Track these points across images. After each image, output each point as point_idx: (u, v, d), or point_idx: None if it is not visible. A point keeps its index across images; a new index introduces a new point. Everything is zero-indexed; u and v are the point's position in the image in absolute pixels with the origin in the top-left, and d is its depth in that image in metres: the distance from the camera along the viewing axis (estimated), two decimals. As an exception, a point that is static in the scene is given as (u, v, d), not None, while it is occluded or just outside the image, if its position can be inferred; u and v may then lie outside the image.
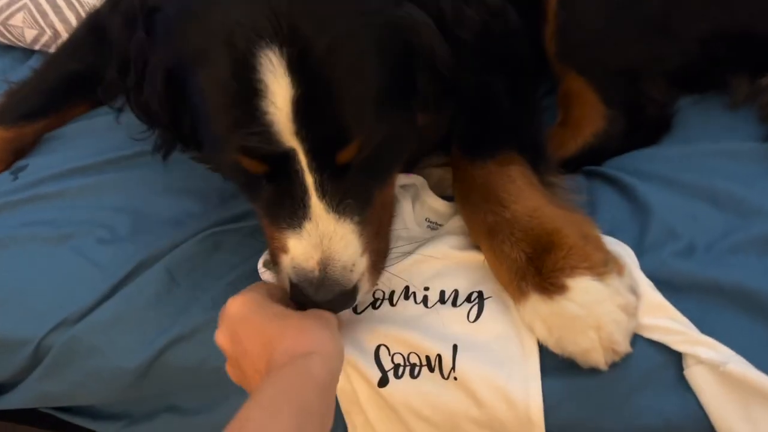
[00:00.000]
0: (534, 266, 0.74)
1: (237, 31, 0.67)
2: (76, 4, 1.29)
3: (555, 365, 0.73)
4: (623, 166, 0.93)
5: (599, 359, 0.71)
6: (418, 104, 0.77)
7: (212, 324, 0.81)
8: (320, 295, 0.71)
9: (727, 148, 0.91)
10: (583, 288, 0.71)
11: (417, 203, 0.88)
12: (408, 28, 0.72)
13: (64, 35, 1.28)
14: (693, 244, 0.78)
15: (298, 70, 0.66)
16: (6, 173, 1.08)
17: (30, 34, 1.30)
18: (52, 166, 1.06)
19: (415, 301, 0.77)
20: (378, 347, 0.76)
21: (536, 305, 0.73)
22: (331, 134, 0.69)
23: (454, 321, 0.76)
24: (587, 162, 0.96)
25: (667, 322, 0.70)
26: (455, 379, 0.74)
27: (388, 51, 0.71)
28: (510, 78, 0.94)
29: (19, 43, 1.32)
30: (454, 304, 0.76)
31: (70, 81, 1.15)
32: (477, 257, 0.80)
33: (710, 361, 0.67)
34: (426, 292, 0.78)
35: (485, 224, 0.79)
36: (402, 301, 0.78)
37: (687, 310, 0.72)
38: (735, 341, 0.69)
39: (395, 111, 0.73)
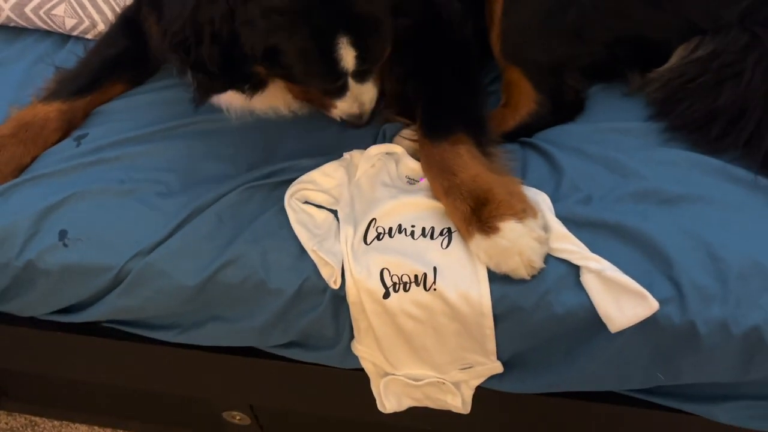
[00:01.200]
0: (476, 215, 1.07)
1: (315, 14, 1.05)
2: (111, -1, 1.54)
3: (497, 277, 1.08)
4: (547, 138, 1.27)
5: (523, 274, 1.05)
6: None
7: (251, 252, 1.13)
8: (361, 121, 1.24)
9: (620, 126, 1.25)
10: (509, 228, 1.04)
11: (399, 165, 1.21)
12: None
13: (100, 24, 1.54)
14: (590, 196, 1.13)
15: (355, 43, 1.08)
16: (69, 140, 1.34)
17: (70, 22, 1.55)
18: (109, 136, 1.32)
19: (406, 235, 1.10)
20: (382, 270, 1.08)
21: (479, 241, 1.06)
22: (372, 63, 1.16)
23: (432, 249, 1.09)
24: (522, 135, 1.29)
25: (569, 246, 1.05)
26: (435, 290, 1.07)
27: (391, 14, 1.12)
28: (461, 69, 1.27)
29: (59, 30, 1.57)
30: (431, 237, 1.10)
31: (109, 63, 1.41)
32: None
33: (595, 270, 1.03)
34: (413, 228, 1.11)
35: (442, 187, 1.12)
36: (397, 235, 1.11)
37: (584, 239, 1.06)
38: (613, 259, 1.04)
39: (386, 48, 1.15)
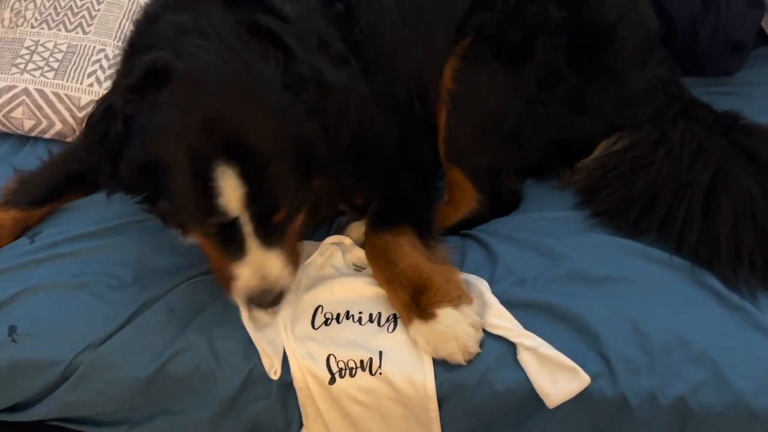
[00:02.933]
0: (415, 302, 1.13)
1: (195, 147, 1.01)
2: (65, 99, 1.60)
3: (439, 361, 1.13)
4: (484, 229, 1.36)
5: (460, 358, 1.10)
6: (314, 175, 1.13)
7: (201, 341, 1.16)
8: (265, 300, 1.10)
9: (550, 215, 1.35)
10: (446, 314, 1.11)
11: (347, 254, 1.28)
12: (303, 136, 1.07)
13: (57, 124, 1.60)
14: (524, 278, 1.21)
15: (241, 177, 1.01)
16: (23, 238, 1.37)
17: (28, 124, 1.61)
18: (62, 233, 1.36)
19: (353, 321, 1.15)
20: (328, 356, 1.13)
21: (418, 327, 1.12)
22: (266, 210, 1.05)
23: (379, 334, 1.14)
24: (463, 228, 1.38)
25: (506, 323, 1.12)
26: (380, 374, 1.11)
27: (295, 151, 1.06)
28: (416, 173, 1.37)
29: (18, 131, 1.62)
30: (378, 323, 1.15)
31: (71, 178, 1.44)
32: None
33: (530, 347, 1.09)
34: (360, 314, 1.16)
35: (384, 276, 1.19)
36: (345, 320, 1.16)
37: (518, 318, 1.13)
38: (546, 336, 1.11)
39: (304, 183, 1.10)
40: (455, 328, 1.10)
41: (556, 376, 1.08)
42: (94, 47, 1.70)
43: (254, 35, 1.09)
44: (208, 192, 1.01)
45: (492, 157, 1.39)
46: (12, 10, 1.79)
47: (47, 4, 1.80)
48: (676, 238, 1.23)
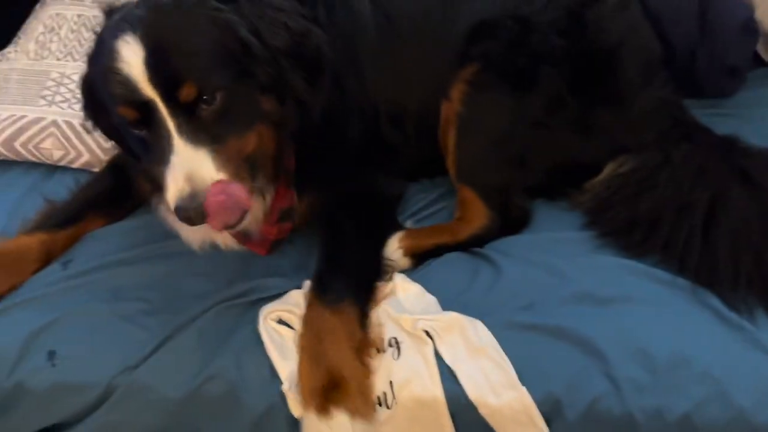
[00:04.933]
0: (322, 393, 1.13)
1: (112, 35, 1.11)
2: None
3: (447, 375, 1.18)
4: (495, 247, 1.42)
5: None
6: (257, 87, 1.15)
7: (231, 366, 1.23)
8: (193, 205, 1.03)
9: (560, 235, 1.41)
10: (340, 421, 1.11)
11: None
12: (227, 27, 1.13)
13: (85, 154, 1.67)
14: (533, 301, 1.27)
15: (144, 42, 1.06)
16: (56, 264, 1.44)
17: (57, 154, 1.68)
18: (93, 259, 1.43)
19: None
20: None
21: (311, 419, 1.12)
22: (171, 80, 1.08)
23: (384, 362, 1.18)
24: (474, 244, 1.44)
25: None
26: (396, 403, 1.16)
27: (214, 36, 1.11)
28: (365, 210, 1.39)
29: (46, 161, 1.70)
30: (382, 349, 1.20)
31: (92, 200, 1.53)
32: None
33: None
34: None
35: (307, 346, 1.18)
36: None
37: (526, 341, 1.19)
38: (553, 357, 1.17)
39: (229, 77, 1.11)
40: None
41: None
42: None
43: None
44: (116, 70, 1.08)
45: (501, 176, 1.46)
46: (37, 42, 1.87)
47: (71, 36, 1.88)
48: (678, 259, 1.28)
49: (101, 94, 1.17)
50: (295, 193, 1.36)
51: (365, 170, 1.45)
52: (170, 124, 1.07)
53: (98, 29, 1.22)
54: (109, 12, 1.25)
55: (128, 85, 1.07)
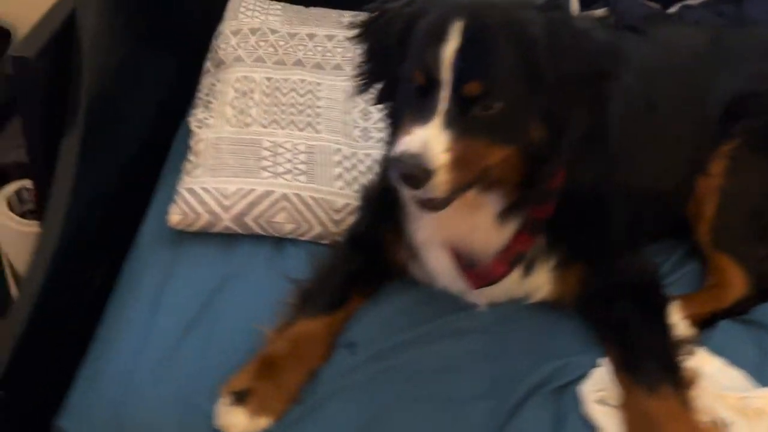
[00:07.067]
0: None
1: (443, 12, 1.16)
2: (323, 203, 1.63)
3: None
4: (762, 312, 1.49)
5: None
6: (533, 112, 1.16)
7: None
8: (408, 164, 1.10)
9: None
10: None
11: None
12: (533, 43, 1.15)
13: (316, 227, 1.62)
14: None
15: (464, 37, 1.12)
16: (341, 349, 1.39)
17: (288, 227, 1.62)
18: (381, 342, 1.38)
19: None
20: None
21: None
22: (466, 72, 1.12)
23: None
24: (737, 313, 1.50)
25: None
26: None
27: (525, 52, 1.14)
28: (639, 298, 1.38)
29: (276, 234, 1.64)
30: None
31: (351, 278, 1.48)
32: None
33: None
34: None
35: None
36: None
37: None
38: None
39: (514, 91, 1.14)
40: None
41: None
42: (330, 146, 1.74)
43: None
44: (434, 43, 1.13)
45: (761, 244, 1.53)
46: (233, 107, 1.81)
47: (266, 101, 1.83)
48: None
49: (410, 47, 1.20)
50: (535, 241, 1.36)
51: (629, 243, 1.48)
52: (441, 106, 1.12)
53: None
54: None
55: (436, 59, 1.13)
